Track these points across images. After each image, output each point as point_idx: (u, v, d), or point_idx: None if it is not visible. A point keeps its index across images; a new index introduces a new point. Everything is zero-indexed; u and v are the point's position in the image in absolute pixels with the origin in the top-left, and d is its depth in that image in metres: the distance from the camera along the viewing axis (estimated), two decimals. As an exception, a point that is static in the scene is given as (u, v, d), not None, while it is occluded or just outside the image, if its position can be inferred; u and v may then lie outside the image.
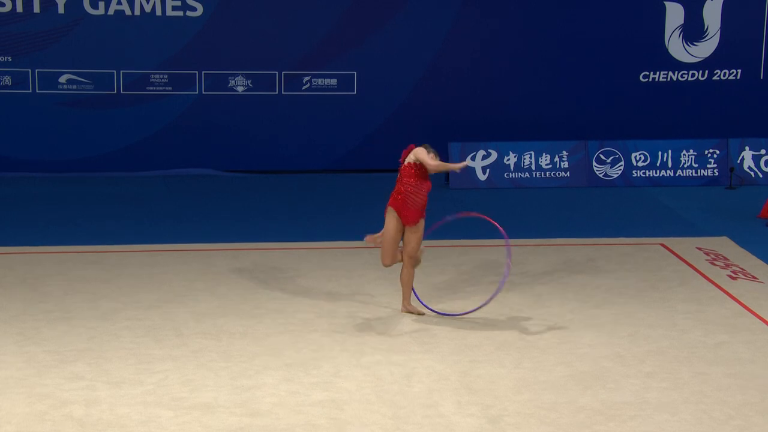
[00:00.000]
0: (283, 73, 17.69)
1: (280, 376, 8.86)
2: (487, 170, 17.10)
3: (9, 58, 17.12)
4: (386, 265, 10.49)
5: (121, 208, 15.18)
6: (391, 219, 10.38)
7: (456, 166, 10.66)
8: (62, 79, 17.30)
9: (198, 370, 8.93)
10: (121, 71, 17.36)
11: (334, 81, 17.78)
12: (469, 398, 8.47)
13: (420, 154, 10.33)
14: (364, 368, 9.07)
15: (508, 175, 17.12)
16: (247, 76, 17.63)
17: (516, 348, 9.62)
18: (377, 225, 14.41)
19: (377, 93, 17.69)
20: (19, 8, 16.96)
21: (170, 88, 17.47)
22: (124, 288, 11.23)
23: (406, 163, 10.48)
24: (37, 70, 17.21)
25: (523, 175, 17.14)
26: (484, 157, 17.15)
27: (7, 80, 17.17)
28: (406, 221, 10.38)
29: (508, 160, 17.13)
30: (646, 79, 17.97)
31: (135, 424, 7.78)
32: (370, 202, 15.83)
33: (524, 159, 17.14)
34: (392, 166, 17.92)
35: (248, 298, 10.99)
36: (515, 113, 17.82)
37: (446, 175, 16.92)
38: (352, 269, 12.05)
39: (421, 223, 10.46)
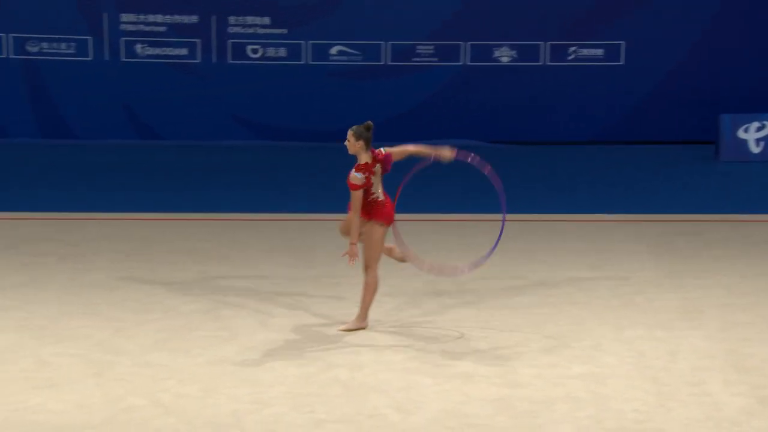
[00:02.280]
0: (548, 43, 17.54)
1: (540, 347, 8.82)
2: (761, 143, 16.40)
3: (285, 30, 17.73)
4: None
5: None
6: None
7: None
8: (333, 50, 17.79)
9: (458, 340, 9.01)
10: (389, 42, 17.67)
11: (600, 51, 17.49)
12: (738, 377, 8.17)
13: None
14: (626, 343, 8.91)
15: (783, 147, 16.40)
16: (512, 47, 17.59)
17: (789, 328, 9.21)
18: (641, 198, 14.18)
19: (645, 63, 17.27)
20: (296, -19, 17.57)
21: (435, 59, 17.65)
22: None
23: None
24: (310, 42, 17.75)
25: (801, 148, 16.37)
26: (758, 129, 16.45)
27: (282, 52, 17.80)
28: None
29: (784, 132, 16.41)
30: None
31: (396, 390, 7.93)
32: (633, 175, 15.52)
33: (802, 131, 16.37)
34: (660, 138, 17.62)
35: (509, 269, 10.99)
36: (792, 83, 17.02)
37: (715, 147, 16.36)
38: (611, 242, 11.86)
39: (369, 226, 9.06)
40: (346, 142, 9.09)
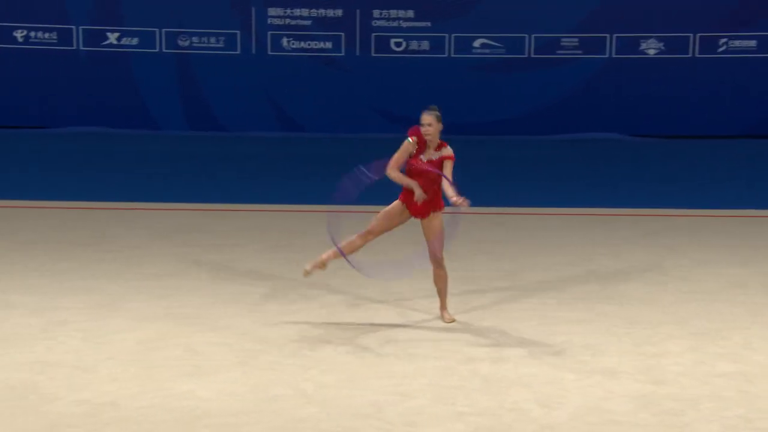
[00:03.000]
0: (698, 35, 17.18)
1: (686, 345, 8.66)
2: None
3: (428, 23, 17.78)
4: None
5: (529, 171, 15.40)
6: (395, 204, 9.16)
7: (416, 191, 8.92)
8: (476, 43, 17.76)
9: (601, 335, 8.91)
10: (533, 35, 17.56)
11: (753, 43, 17.05)
12: None
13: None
14: (776, 342, 8.70)
15: None
16: (659, 39, 17.28)
17: None
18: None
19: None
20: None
21: (580, 52, 17.46)
22: (525, 250, 11.40)
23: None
24: (453, 35, 17.76)
25: None
26: None
27: (425, 45, 17.86)
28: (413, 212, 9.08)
29: None
30: None
31: (538, 384, 7.89)
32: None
33: None
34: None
35: (652, 265, 10.83)
36: None
37: None
38: (760, 238, 11.58)
39: (434, 217, 9.05)
40: (429, 127, 8.96)
